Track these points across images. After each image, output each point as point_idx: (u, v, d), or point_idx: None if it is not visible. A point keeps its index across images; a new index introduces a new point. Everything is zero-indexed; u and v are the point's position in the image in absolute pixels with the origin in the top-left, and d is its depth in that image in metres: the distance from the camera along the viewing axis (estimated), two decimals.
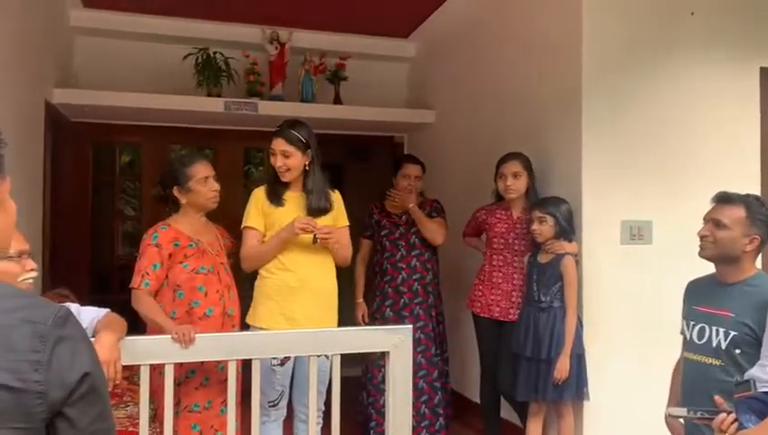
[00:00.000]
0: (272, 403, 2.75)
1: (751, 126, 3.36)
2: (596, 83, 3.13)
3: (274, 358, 2.67)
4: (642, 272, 3.15)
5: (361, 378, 3.79)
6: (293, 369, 2.81)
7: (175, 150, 5.28)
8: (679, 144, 3.24)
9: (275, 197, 2.82)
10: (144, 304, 2.60)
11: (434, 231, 3.65)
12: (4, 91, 3.10)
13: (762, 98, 3.37)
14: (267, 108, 4.65)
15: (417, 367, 3.47)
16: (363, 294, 3.80)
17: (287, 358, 2.73)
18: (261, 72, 4.79)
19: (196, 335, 2.32)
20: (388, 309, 3.67)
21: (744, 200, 2.06)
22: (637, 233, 3.15)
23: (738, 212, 2.04)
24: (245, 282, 2.91)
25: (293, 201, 2.83)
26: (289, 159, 2.77)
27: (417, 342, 3.52)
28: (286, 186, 2.85)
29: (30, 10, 3.52)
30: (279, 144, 2.78)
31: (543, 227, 3.05)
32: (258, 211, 2.83)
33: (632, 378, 3.08)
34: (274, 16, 4.62)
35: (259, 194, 2.87)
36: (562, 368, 2.92)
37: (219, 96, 4.62)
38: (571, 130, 3.18)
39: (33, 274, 1.75)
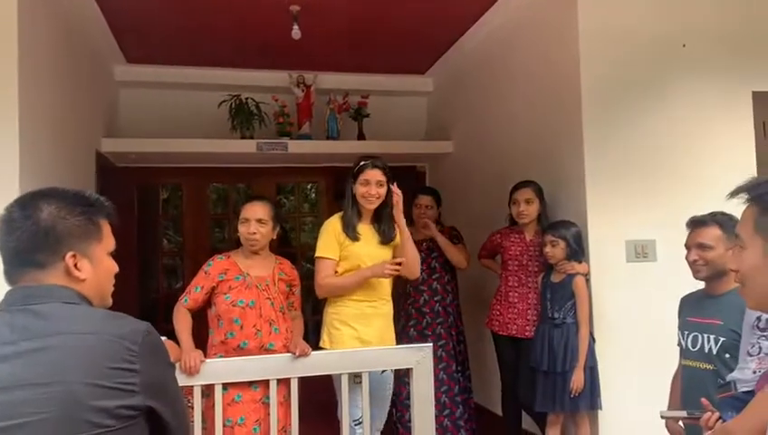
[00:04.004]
0: (356, 422, 2.83)
1: (746, 146, 3.53)
2: (595, 114, 3.35)
3: (356, 376, 2.77)
4: (648, 287, 3.32)
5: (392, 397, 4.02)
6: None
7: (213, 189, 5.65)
8: (678, 167, 3.43)
9: (351, 230, 2.94)
10: (177, 316, 2.83)
11: (458, 256, 3.90)
12: (62, 145, 3.47)
13: (755, 119, 3.55)
14: (296, 147, 5.03)
15: (439, 383, 3.69)
16: None
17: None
18: (289, 113, 5.15)
19: (234, 359, 2.66)
20: (411, 329, 3.92)
21: (715, 220, 2.26)
22: (641, 251, 3.34)
23: (715, 231, 2.24)
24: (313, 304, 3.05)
25: (366, 234, 2.98)
26: (382, 188, 2.93)
27: (438, 359, 3.76)
28: (359, 218, 2.99)
29: (80, 70, 3.91)
30: (376, 174, 2.91)
31: (556, 250, 3.28)
32: (335, 242, 2.94)
33: (641, 386, 3.22)
34: (300, 61, 4.97)
35: (335, 226, 2.97)
36: (578, 380, 3.12)
37: (252, 138, 4.98)
38: (575, 158, 3.40)
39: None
